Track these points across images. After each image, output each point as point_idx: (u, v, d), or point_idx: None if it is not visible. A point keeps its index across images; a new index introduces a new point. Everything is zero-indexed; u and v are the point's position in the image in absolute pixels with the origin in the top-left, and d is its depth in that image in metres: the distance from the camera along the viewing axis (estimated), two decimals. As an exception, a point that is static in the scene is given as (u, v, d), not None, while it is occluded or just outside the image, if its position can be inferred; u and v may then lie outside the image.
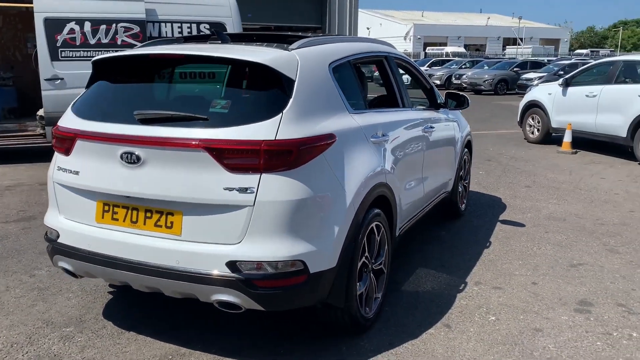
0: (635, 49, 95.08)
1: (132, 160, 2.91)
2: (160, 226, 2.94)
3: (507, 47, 56.78)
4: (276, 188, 2.76)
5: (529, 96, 11.73)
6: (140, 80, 3.31)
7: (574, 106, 10.50)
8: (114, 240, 3.03)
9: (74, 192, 3.18)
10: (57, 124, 3.33)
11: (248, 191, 2.75)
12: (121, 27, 9.17)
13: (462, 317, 3.67)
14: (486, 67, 28.72)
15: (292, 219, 2.79)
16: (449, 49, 47.89)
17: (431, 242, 5.16)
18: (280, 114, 2.84)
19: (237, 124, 2.82)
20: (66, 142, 3.20)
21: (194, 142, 2.79)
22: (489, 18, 65.57)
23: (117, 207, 3.05)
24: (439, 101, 5.22)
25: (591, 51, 61.78)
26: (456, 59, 36.45)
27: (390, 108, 4.21)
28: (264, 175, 2.76)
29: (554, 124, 11.04)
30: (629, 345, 3.33)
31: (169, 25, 9.48)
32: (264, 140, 2.75)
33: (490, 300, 3.93)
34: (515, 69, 26.38)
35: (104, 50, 8.96)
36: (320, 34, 3.51)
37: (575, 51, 60.31)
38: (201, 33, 9.63)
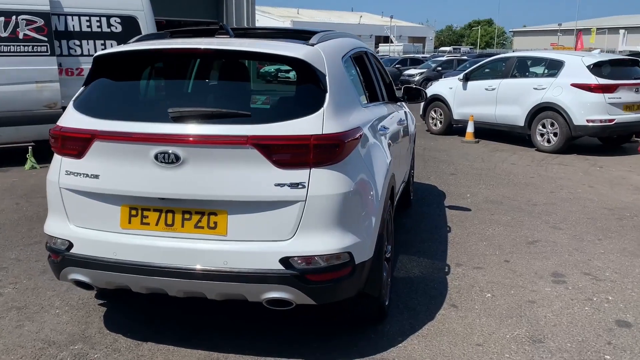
0: (488, 46, 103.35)
1: (169, 160, 2.77)
2: (202, 227, 2.83)
3: (380, 44, 59.52)
4: (326, 182, 2.78)
5: (431, 90, 12.44)
6: (162, 77, 3.14)
7: (475, 99, 11.33)
8: (146, 245, 2.87)
9: (91, 198, 2.95)
10: (59, 125, 3.06)
11: (299, 186, 2.74)
12: (22, 19, 8.40)
13: (462, 296, 3.91)
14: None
15: (341, 212, 2.83)
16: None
17: (398, 231, 5.37)
18: (322, 108, 2.85)
19: (281, 119, 2.79)
20: (78, 143, 2.95)
21: (242, 139, 2.72)
22: (361, 17, 68.10)
23: (147, 210, 2.88)
24: (397, 95, 5.44)
25: (453, 48, 66.49)
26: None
27: (374, 102, 4.34)
28: (313, 169, 2.77)
29: (455, 116, 11.83)
30: (610, 307, 3.77)
31: (76, 18, 8.86)
32: (312, 135, 2.76)
33: (477, 279, 4.22)
34: (397, 66, 27.69)
35: (3, 45, 8.18)
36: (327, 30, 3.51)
37: (440, 48, 64.43)
38: (112, 27, 9.13)
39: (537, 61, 10.93)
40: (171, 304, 3.69)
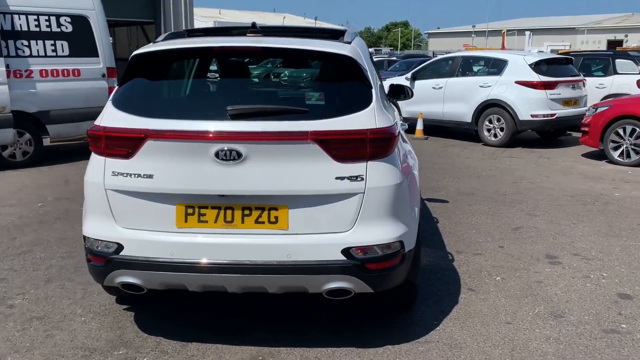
0: (405, 47, 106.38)
1: (231, 157, 2.79)
2: (263, 222, 2.87)
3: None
4: (381, 174, 2.90)
5: (379, 89, 12.77)
6: (208, 75, 3.13)
7: (423, 97, 11.73)
8: (204, 243, 2.87)
9: (143, 198, 2.91)
10: (101, 125, 2.98)
11: (358, 179, 2.85)
12: (-35, 19, 7.90)
13: (475, 281, 4.14)
14: (300, 64, 30.05)
15: (394, 202, 2.95)
16: (252, 46, 48.90)
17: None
18: (372, 103, 2.97)
19: (337, 115, 2.88)
20: (128, 143, 2.90)
21: (304, 135, 2.79)
22: (284, 18, 68.21)
23: (204, 208, 2.88)
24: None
25: (375, 49, 67.88)
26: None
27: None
28: (369, 162, 2.88)
29: (404, 114, 12.20)
30: (608, 283, 4.12)
31: (24, 17, 8.41)
32: (368, 129, 2.87)
33: (482, 264, 4.47)
34: None
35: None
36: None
37: (362, 49, 65.38)
38: (62, 27, 8.75)
39: (481, 61, 11.52)
40: (201, 302, 3.68)
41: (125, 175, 2.90)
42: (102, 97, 9.11)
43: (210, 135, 2.79)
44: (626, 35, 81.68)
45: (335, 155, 2.82)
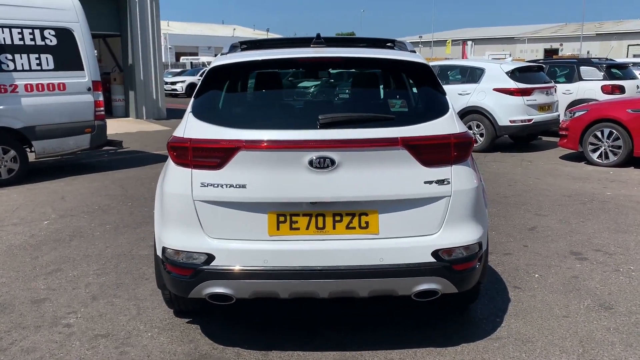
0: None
1: (324, 165, 2.85)
2: (354, 228, 2.93)
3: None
4: (463, 177, 3.02)
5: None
6: (287, 85, 3.18)
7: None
8: (297, 250, 2.91)
9: (234, 208, 2.92)
10: (186, 137, 2.98)
11: (445, 182, 2.96)
12: (-53, 33, 7.59)
13: (517, 279, 4.32)
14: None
15: (475, 204, 3.08)
16: (204, 58, 48.56)
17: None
18: (450, 109, 3.10)
19: (421, 121, 2.99)
20: (218, 154, 2.91)
21: (394, 141, 2.88)
22: (234, 29, 68.01)
23: (296, 216, 2.93)
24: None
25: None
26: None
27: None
28: (454, 166, 3.00)
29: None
30: (638, 275, 4.38)
31: (7, 30, 8.14)
32: (452, 134, 2.99)
33: (516, 263, 4.66)
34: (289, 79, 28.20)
35: None
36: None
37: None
38: (46, 40, 8.52)
39: (458, 69, 11.89)
40: (269, 309, 3.69)
41: (216, 186, 2.91)
42: (87, 111, 8.95)
43: (305, 144, 2.85)
44: (561, 44, 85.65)
45: (423, 160, 2.93)
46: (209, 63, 44.80)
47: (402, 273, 2.93)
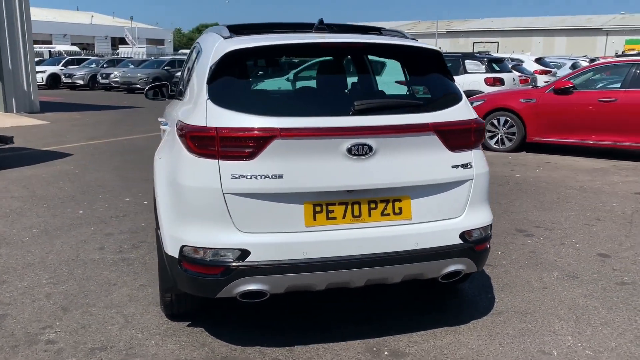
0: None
1: (362, 152, 2.81)
2: (388, 214, 2.94)
3: (120, 46, 56.48)
4: (480, 161, 3.15)
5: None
6: (309, 71, 3.06)
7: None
8: (334, 240, 2.85)
9: (269, 200, 2.79)
10: (210, 126, 2.77)
11: (468, 166, 3.07)
12: None
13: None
14: (132, 66, 28.50)
15: (488, 187, 3.23)
16: (61, 47, 44.92)
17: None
18: (463, 96, 3.21)
19: (443, 107, 3.07)
20: (251, 143, 2.75)
21: (426, 126, 2.92)
22: (92, 16, 63.54)
23: (332, 205, 2.86)
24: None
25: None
26: (92, 57, 34.82)
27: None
28: (473, 150, 3.12)
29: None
30: (583, 247, 4.85)
31: None
32: (472, 120, 3.10)
33: (547, 255, 4.91)
34: (166, 68, 27.06)
35: None
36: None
37: (180, 51, 64.21)
38: None
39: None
40: (262, 308, 3.57)
41: (249, 177, 2.75)
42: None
43: (343, 131, 2.79)
44: (417, 40, 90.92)
45: (450, 145, 3.00)
46: (66, 52, 41.68)
47: (435, 256, 2.99)
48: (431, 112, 2.99)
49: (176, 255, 2.92)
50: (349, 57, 3.15)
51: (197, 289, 2.94)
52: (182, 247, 2.88)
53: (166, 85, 5.23)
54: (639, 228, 5.37)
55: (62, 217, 5.75)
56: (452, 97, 3.14)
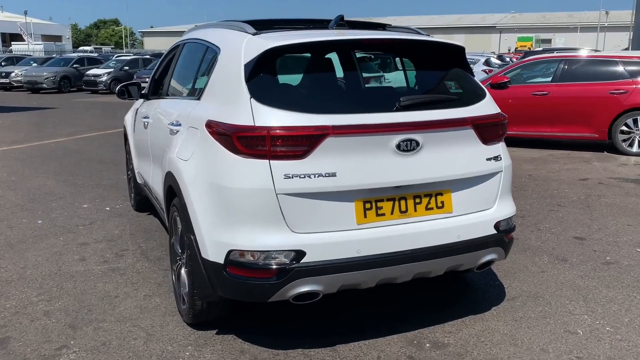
0: (119, 46, 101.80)
1: (410, 147, 2.84)
2: (432, 208, 2.98)
3: (14, 43, 52.49)
4: (506, 154, 3.28)
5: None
6: (347, 67, 3.03)
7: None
8: (385, 236, 2.86)
9: (322, 199, 2.74)
10: (261, 125, 2.68)
11: (498, 159, 3.18)
12: None
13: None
14: (35, 64, 26.72)
15: (512, 178, 3.36)
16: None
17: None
18: (486, 91, 3.31)
19: (475, 101, 3.16)
20: (304, 142, 2.69)
21: (465, 121, 3.00)
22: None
23: (380, 201, 2.87)
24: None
25: (95, 48, 63.70)
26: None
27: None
28: (501, 143, 3.23)
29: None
30: (557, 231, 5.16)
31: None
32: (499, 113, 3.22)
33: (530, 240, 5.10)
34: (75, 66, 25.59)
35: None
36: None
37: (80, 48, 61.06)
38: None
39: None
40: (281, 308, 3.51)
41: (302, 177, 2.69)
42: None
43: (393, 127, 2.80)
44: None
45: (483, 139, 3.10)
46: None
47: (475, 247, 3.08)
48: (465, 107, 3.06)
49: (221, 261, 2.81)
50: (383, 53, 3.15)
51: (246, 294, 2.84)
52: (230, 251, 2.76)
53: (137, 84, 5.03)
54: (599, 211, 5.80)
55: (21, 228, 5.32)
56: (479, 92, 3.23)
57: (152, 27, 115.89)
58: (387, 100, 2.90)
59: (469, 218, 3.07)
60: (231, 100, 2.89)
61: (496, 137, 3.18)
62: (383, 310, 3.56)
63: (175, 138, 3.45)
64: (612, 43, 64.52)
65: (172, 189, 3.32)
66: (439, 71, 3.20)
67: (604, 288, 3.90)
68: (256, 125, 2.69)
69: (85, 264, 4.39)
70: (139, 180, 5.40)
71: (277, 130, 2.67)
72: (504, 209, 3.23)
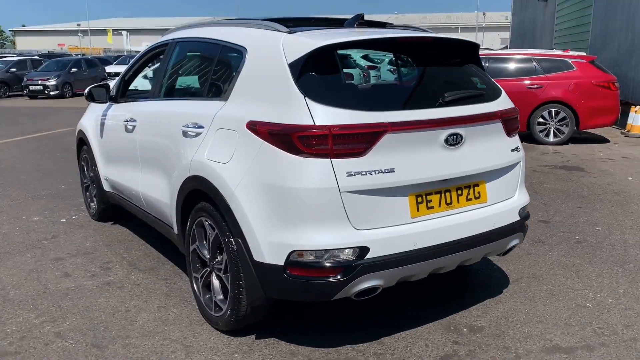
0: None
1: (456, 141, 2.97)
2: (471, 199, 3.14)
3: None
4: (521, 145, 3.51)
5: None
6: (398, 64, 3.09)
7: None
8: (436, 228, 2.97)
9: (380, 195, 2.80)
10: (322, 124, 2.67)
11: (518, 149, 3.41)
12: None
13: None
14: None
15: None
16: None
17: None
18: (500, 87, 3.51)
19: (497, 96, 3.35)
20: (364, 139, 2.73)
21: (495, 115, 3.18)
22: None
23: (429, 195, 2.97)
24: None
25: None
26: None
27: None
28: (517, 136, 3.46)
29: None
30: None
31: None
32: (515, 107, 3.44)
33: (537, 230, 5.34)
34: (12, 70, 23.28)
35: None
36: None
37: (8, 51, 55.95)
38: None
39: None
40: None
41: (363, 174, 2.73)
42: None
43: (442, 122, 2.91)
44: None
45: (508, 131, 3.30)
46: None
47: (506, 233, 3.27)
48: (492, 102, 3.24)
49: (280, 263, 2.77)
50: (417, 51, 3.24)
51: (309, 294, 2.82)
52: (291, 252, 2.73)
53: (105, 87, 4.79)
54: (547, 196, 6.31)
55: (-27, 247, 4.82)
56: (496, 88, 3.43)
57: (24, 26, 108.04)
58: (430, 96, 3.00)
59: (500, 207, 3.25)
60: (278, 100, 2.85)
61: (515, 129, 3.39)
62: (413, 301, 3.65)
63: (195, 140, 3.32)
64: (487, 42, 69.49)
65: (201, 193, 3.20)
66: (463, 67, 3.35)
67: (588, 264, 4.28)
68: (316, 124, 2.68)
69: (73, 280, 4.08)
70: (106, 188, 5.09)
71: (339, 129, 2.68)
72: (523, 196, 3.45)
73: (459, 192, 3.08)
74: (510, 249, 3.42)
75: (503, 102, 3.31)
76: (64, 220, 5.61)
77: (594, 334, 3.24)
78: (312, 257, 2.74)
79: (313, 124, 2.68)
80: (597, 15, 18.19)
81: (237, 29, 3.43)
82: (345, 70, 3.08)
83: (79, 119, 5.71)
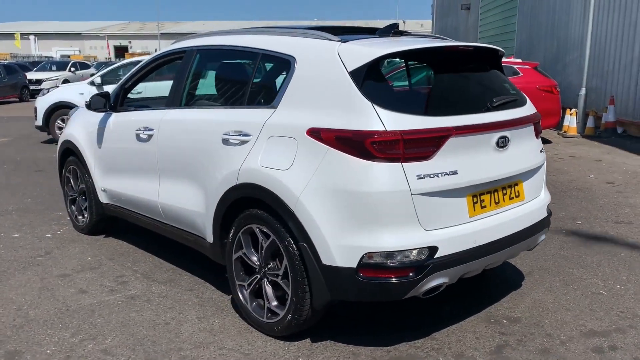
0: None
1: (504, 144, 3.17)
2: (513, 198, 3.34)
3: None
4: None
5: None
6: (438, 72, 3.22)
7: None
8: (489, 226, 3.15)
9: (444, 196, 2.94)
10: (394, 130, 2.78)
11: (542, 151, 3.66)
12: None
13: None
14: None
15: (543, 168, 3.86)
16: None
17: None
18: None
19: (525, 101, 3.58)
20: (431, 143, 2.86)
21: (530, 118, 3.43)
22: None
23: (482, 195, 3.15)
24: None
25: None
26: None
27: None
28: (540, 138, 3.72)
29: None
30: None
31: None
32: (539, 113, 3.70)
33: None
34: None
35: None
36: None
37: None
38: None
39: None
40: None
41: (431, 176, 2.86)
42: None
43: (495, 125, 3.11)
44: (130, 42, 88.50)
45: (536, 134, 3.55)
46: None
47: (539, 229, 3.50)
48: (524, 106, 3.47)
49: (353, 265, 2.84)
50: (460, 58, 3.40)
51: (381, 294, 2.91)
52: (364, 255, 2.82)
53: (106, 95, 4.67)
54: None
55: (-39, 267, 4.52)
56: (522, 94, 3.66)
57: None
58: (480, 101, 3.18)
59: (533, 204, 3.49)
60: (341, 107, 2.91)
61: (540, 132, 3.64)
62: (443, 298, 3.79)
63: (241, 148, 3.31)
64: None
65: (250, 200, 3.22)
66: (495, 73, 3.55)
67: (586, 255, 4.62)
68: (388, 129, 2.78)
69: (92, 296, 3.93)
70: (103, 200, 4.92)
71: (409, 134, 2.80)
72: (547, 194, 3.71)
73: (504, 191, 3.27)
74: (538, 244, 3.66)
75: (531, 107, 3.55)
76: (49, 235, 5.35)
77: (619, 317, 3.53)
78: (384, 259, 2.82)
79: (385, 129, 2.78)
80: (522, 22, 19.37)
81: (280, 37, 3.46)
82: (398, 77, 3.22)
83: (6, 129, 5.45)
